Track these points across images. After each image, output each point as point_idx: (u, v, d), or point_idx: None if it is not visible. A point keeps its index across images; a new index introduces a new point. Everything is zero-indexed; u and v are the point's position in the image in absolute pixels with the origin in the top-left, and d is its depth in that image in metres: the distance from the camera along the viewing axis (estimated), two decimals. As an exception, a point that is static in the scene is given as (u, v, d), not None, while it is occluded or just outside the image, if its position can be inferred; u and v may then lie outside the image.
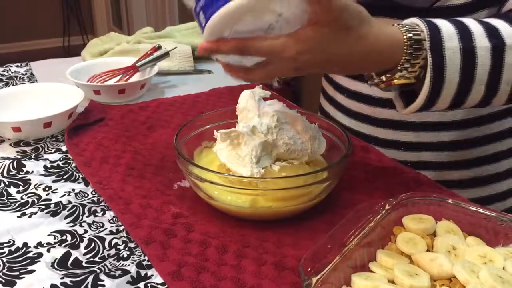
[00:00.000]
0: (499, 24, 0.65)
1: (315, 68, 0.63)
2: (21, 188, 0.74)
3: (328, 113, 1.01)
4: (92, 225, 0.67)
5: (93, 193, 0.74)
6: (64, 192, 0.74)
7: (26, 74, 1.20)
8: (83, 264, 0.60)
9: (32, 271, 0.59)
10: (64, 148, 0.86)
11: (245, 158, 0.66)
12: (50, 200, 0.72)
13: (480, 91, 0.65)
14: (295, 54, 0.59)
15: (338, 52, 0.61)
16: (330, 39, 0.59)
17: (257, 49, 0.59)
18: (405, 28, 0.63)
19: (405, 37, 0.62)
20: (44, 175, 0.78)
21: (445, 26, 0.63)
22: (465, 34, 0.63)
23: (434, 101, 0.65)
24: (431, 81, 0.63)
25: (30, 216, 0.68)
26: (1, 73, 1.20)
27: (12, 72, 1.21)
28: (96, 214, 0.69)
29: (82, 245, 0.63)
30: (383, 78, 0.66)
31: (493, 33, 0.64)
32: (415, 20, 0.64)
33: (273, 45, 0.59)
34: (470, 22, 0.65)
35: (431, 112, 0.72)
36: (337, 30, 0.59)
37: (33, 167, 0.80)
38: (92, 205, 0.71)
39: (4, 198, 0.72)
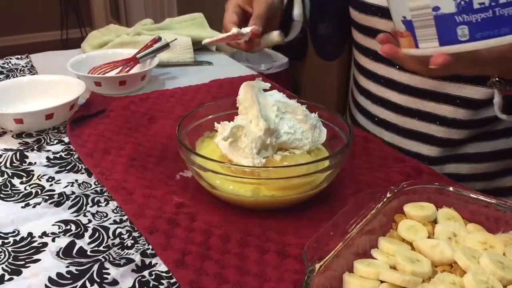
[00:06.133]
0: None
1: (488, 65, 0.59)
2: (24, 179, 0.75)
3: (355, 116, 1.01)
4: (96, 215, 0.67)
5: (96, 183, 0.74)
6: (67, 182, 0.74)
7: (26, 66, 1.20)
8: (88, 253, 0.60)
9: (38, 260, 0.59)
10: (66, 140, 0.86)
11: (246, 149, 0.67)
12: (54, 190, 0.72)
13: None
14: None
15: None
16: None
17: None
18: None
19: None
20: (47, 166, 0.78)
21: None
22: None
23: None
24: None
25: (34, 207, 0.69)
26: (2, 65, 1.20)
27: (12, 65, 1.21)
28: (100, 204, 0.69)
29: (87, 234, 0.63)
30: None
31: None
32: None
33: None
34: None
35: None
36: None
37: (36, 158, 0.80)
38: (96, 195, 0.71)
39: (8, 189, 0.72)
